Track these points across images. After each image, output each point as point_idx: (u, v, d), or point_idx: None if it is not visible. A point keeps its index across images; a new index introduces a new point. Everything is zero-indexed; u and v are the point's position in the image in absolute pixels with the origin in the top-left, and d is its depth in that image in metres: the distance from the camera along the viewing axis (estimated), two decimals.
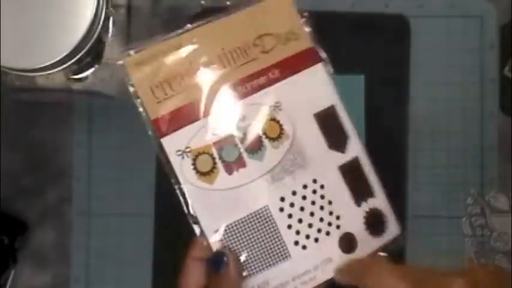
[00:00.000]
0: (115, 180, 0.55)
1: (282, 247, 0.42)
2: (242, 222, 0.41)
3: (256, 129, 0.42)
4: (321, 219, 0.42)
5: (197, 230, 0.41)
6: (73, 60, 0.43)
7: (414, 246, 0.54)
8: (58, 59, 0.42)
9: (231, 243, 0.41)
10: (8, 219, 0.54)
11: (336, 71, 0.55)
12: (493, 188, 0.55)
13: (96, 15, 0.43)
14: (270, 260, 0.41)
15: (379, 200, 0.44)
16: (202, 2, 0.55)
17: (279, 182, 0.42)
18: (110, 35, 0.45)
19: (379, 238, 0.44)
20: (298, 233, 0.42)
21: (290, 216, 0.42)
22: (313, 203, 0.42)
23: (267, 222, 0.42)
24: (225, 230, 0.41)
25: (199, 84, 0.41)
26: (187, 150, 0.41)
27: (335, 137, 0.44)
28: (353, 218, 0.43)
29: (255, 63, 0.43)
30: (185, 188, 0.41)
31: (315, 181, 0.43)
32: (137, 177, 0.55)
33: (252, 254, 0.41)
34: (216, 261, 0.40)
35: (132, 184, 0.55)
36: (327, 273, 0.42)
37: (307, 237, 0.42)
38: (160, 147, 0.41)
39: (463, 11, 0.56)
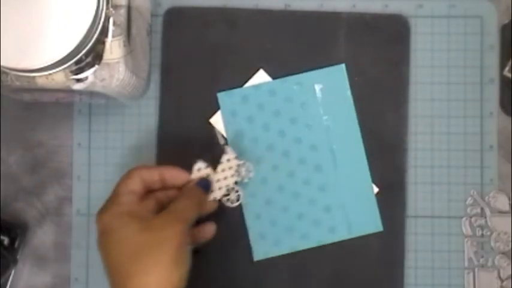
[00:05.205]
0: (115, 180, 0.55)
1: None
2: None
3: None
4: None
5: None
6: (73, 60, 0.43)
7: (414, 246, 0.54)
8: (58, 59, 0.42)
9: None
10: (8, 219, 0.54)
11: None
12: (493, 188, 0.55)
13: (96, 15, 0.43)
14: None
15: None
16: None
17: None
18: (110, 35, 0.45)
19: None
20: None
21: None
22: None
23: None
24: None
25: None
26: None
27: None
28: None
29: None
30: None
31: None
32: None
33: None
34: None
35: None
36: None
37: None
38: None
39: (463, 11, 0.56)
